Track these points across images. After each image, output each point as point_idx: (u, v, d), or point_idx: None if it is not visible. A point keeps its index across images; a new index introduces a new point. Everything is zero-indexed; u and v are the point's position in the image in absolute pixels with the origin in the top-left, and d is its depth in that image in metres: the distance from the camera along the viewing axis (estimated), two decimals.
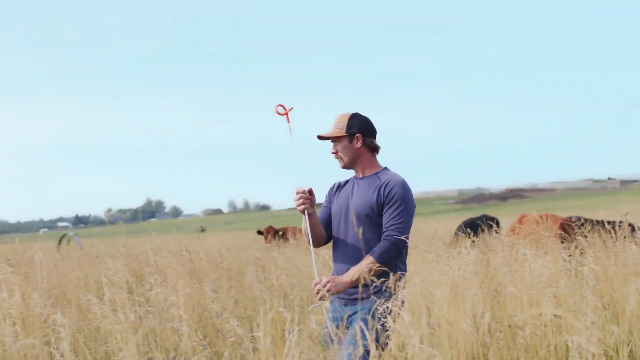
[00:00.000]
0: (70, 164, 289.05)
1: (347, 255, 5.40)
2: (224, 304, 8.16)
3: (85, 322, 7.87)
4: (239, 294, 9.44)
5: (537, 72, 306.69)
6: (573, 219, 12.96)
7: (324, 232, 5.56)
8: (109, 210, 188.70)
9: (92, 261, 13.83)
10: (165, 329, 7.07)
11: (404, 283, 5.21)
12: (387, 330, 4.90)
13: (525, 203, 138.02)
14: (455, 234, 16.70)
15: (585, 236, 9.21)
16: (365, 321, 5.12)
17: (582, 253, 8.49)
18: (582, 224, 9.97)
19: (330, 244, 5.69)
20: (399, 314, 4.77)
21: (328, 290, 5.19)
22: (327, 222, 5.60)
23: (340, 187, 5.63)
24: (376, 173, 5.49)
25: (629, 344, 6.75)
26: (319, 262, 10.58)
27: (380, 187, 5.38)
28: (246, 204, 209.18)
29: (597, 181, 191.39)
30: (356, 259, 5.32)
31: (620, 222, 9.14)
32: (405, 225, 5.31)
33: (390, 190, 5.34)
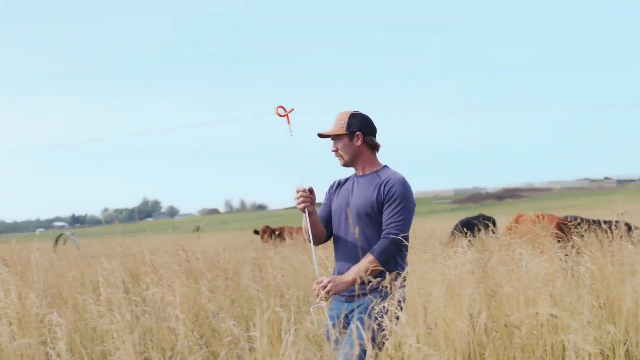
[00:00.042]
0: (67, 164, 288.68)
1: (347, 253, 5.42)
2: (221, 304, 8.15)
3: (82, 321, 7.87)
4: (235, 293, 9.44)
5: (537, 72, 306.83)
6: (569, 219, 12.98)
7: (324, 230, 5.58)
8: (106, 210, 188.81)
9: (89, 261, 13.81)
10: (161, 329, 7.07)
11: (404, 280, 5.23)
12: (383, 330, 4.90)
13: (522, 202, 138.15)
14: (452, 233, 16.72)
15: (582, 236, 9.22)
16: (361, 320, 5.13)
17: (578, 252, 8.49)
18: (579, 224, 9.98)
19: (328, 243, 5.71)
20: (395, 313, 4.77)
21: (329, 291, 5.21)
22: (327, 220, 5.61)
23: (340, 185, 5.65)
24: (376, 171, 5.51)
25: (625, 343, 6.75)
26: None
27: (381, 185, 5.39)
28: (243, 203, 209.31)
29: (594, 181, 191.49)
30: (357, 257, 5.33)
31: (617, 221, 9.15)
32: (405, 223, 5.33)
33: (391, 188, 5.36)
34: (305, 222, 5.47)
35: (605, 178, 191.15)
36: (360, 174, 5.55)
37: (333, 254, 5.65)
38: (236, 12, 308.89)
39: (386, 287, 5.02)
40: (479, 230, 13.27)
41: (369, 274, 5.18)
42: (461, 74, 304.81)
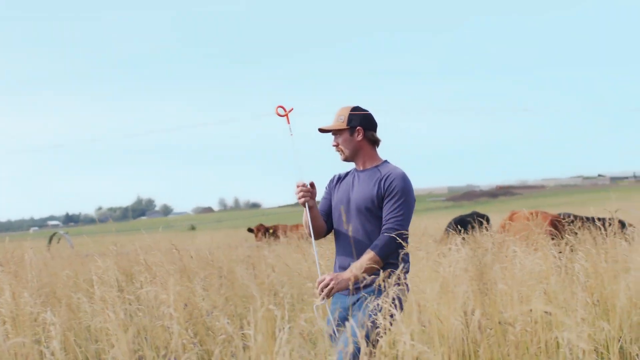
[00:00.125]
0: (62, 164, 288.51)
1: (348, 247, 5.43)
2: (215, 302, 8.15)
3: (76, 320, 7.85)
4: (229, 292, 9.43)
5: (537, 72, 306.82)
6: (563, 216, 12.99)
7: (324, 224, 5.61)
8: (100, 208, 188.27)
9: (82, 259, 13.80)
10: (155, 327, 7.06)
11: (407, 272, 5.29)
12: (377, 328, 4.91)
13: (516, 200, 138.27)
14: (446, 231, 16.71)
15: (576, 233, 9.23)
16: (364, 312, 5.16)
17: (572, 250, 8.50)
18: (572, 221, 10.00)
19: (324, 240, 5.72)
20: (389, 310, 4.78)
21: (331, 289, 5.23)
22: (327, 214, 5.64)
23: (340, 179, 5.67)
24: (377, 166, 5.53)
25: (619, 340, 6.76)
26: (309, 259, 10.57)
27: (381, 180, 5.42)
28: (237, 202, 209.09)
29: (587, 178, 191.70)
30: (357, 252, 5.35)
31: (611, 218, 9.16)
32: (405, 218, 5.35)
33: (391, 183, 5.38)
34: (306, 216, 5.50)
35: (599, 175, 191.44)
36: (361, 168, 5.57)
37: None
38: (236, 12, 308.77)
39: (389, 281, 5.03)
40: (473, 227, 13.29)
41: (372, 271, 5.20)
42: (461, 74, 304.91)
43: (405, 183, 5.41)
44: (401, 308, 5.21)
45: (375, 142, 5.59)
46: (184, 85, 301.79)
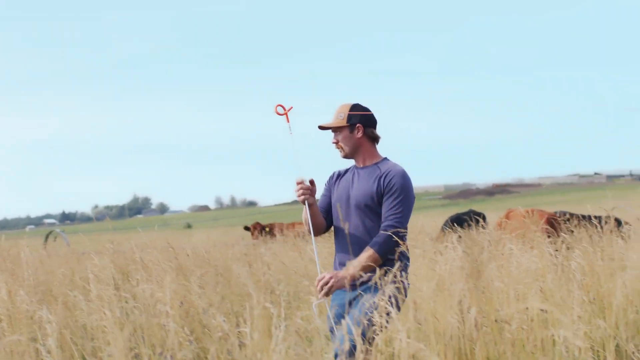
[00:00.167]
0: (59, 162, 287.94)
1: (347, 244, 5.44)
2: (211, 300, 8.15)
3: (72, 318, 7.85)
4: (225, 289, 9.43)
5: (537, 72, 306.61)
6: (559, 214, 13.01)
7: (324, 221, 5.62)
8: (96, 206, 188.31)
9: (79, 258, 13.78)
10: (151, 325, 7.05)
11: (406, 268, 5.30)
12: (373, 325, 4.91)
13: (512, 198, 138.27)
14: (442, 229, 16.73)
15: (572, 231, 9.24)
16: (360, 309, 5.16)
17: (568, 248, 8.51)
18: (569, 219, 10.01)
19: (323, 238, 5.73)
20: (386, 308, 4.78)
21: (331, 287, 5.24)
22: (327, 211, 5.65)
23: (340, 176, 5.68)
24: (376, 163, 5.54)
25: (615, 338, 6.76)
26: (305, 257, 10.57)
27: (381, 177, 5.43)
28: (233, 200, 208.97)
29: (584, 176, 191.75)
30: (355, 249, 5.36)
31: (607, 216, 9.17)
32: (404, 215, 5.36)
33: (390, 180, 5.39)
34: (306, 213, 5.51)
35: (595, 174, 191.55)
36: (361, 165, 5.58)
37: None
38: (236, 12, 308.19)
39: (390, 277, 5.03)
40: (469, 225, 13.29)
41: (371, 269, 5.20)
42: (461, 74, 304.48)
43: (405, 180, 5.42)
44: (397, 307, 5.20)
45: (375, 139, 5.61)
46: (184, 85, 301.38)
